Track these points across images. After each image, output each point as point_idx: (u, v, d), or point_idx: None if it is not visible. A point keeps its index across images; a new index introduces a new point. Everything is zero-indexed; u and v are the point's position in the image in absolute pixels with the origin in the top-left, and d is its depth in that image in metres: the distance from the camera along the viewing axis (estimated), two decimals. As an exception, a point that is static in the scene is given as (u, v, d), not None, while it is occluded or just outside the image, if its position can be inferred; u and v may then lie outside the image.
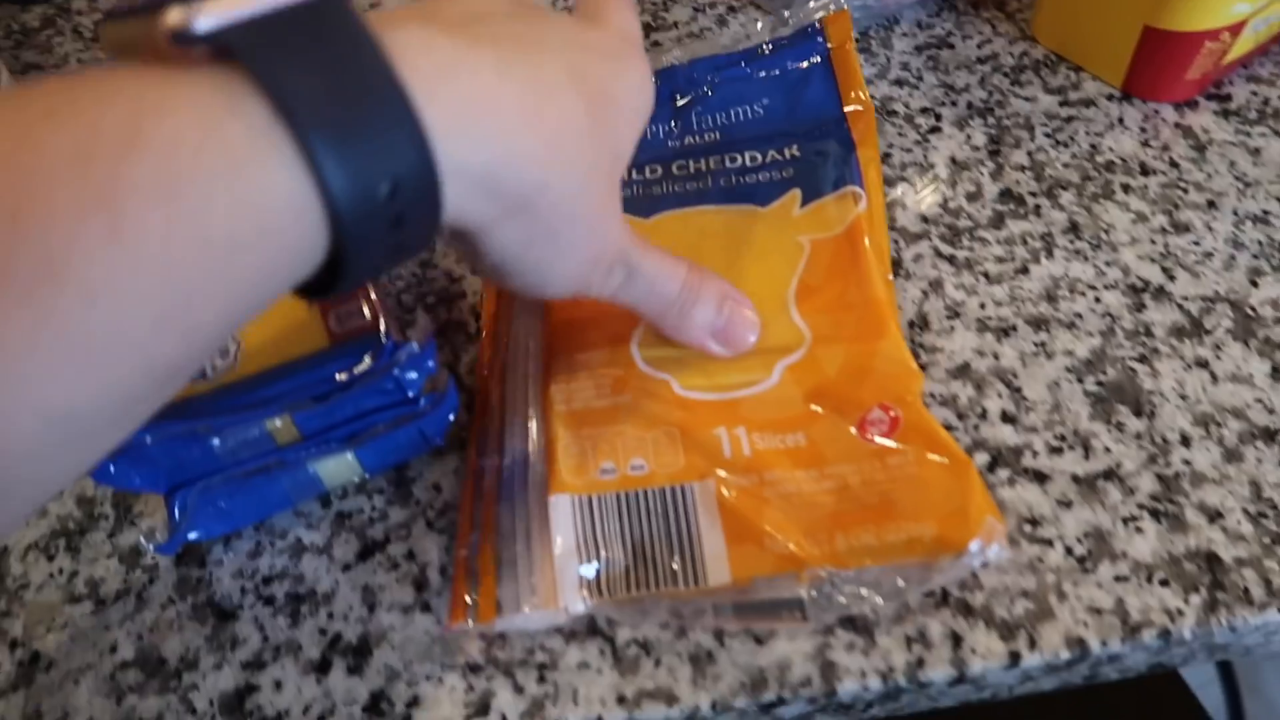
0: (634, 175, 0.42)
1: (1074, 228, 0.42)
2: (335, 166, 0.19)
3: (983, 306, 0.39)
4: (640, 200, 0.41)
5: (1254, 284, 0.40)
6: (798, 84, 0.44)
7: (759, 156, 0.41)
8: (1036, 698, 0.57)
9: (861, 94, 0.43)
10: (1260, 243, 0.41)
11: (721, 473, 0.32)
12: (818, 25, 0.46)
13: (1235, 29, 0.43)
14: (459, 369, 0.39)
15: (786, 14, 0.47)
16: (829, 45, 0.45)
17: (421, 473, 0.36)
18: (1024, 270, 0.40)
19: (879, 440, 0.32)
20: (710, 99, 0.44)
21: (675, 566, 0.31)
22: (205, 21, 0.19)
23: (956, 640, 0.31)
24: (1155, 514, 0.34)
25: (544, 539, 0.31)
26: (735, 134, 0.43)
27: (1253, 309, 0.39)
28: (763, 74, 0.45)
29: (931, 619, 0.32)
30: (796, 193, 0.39)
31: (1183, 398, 0.36)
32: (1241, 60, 0.46)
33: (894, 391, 0.33)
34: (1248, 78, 0.47)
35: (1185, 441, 0.35)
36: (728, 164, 0.41)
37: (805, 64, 0.44)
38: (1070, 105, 0.47)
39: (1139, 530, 0.33)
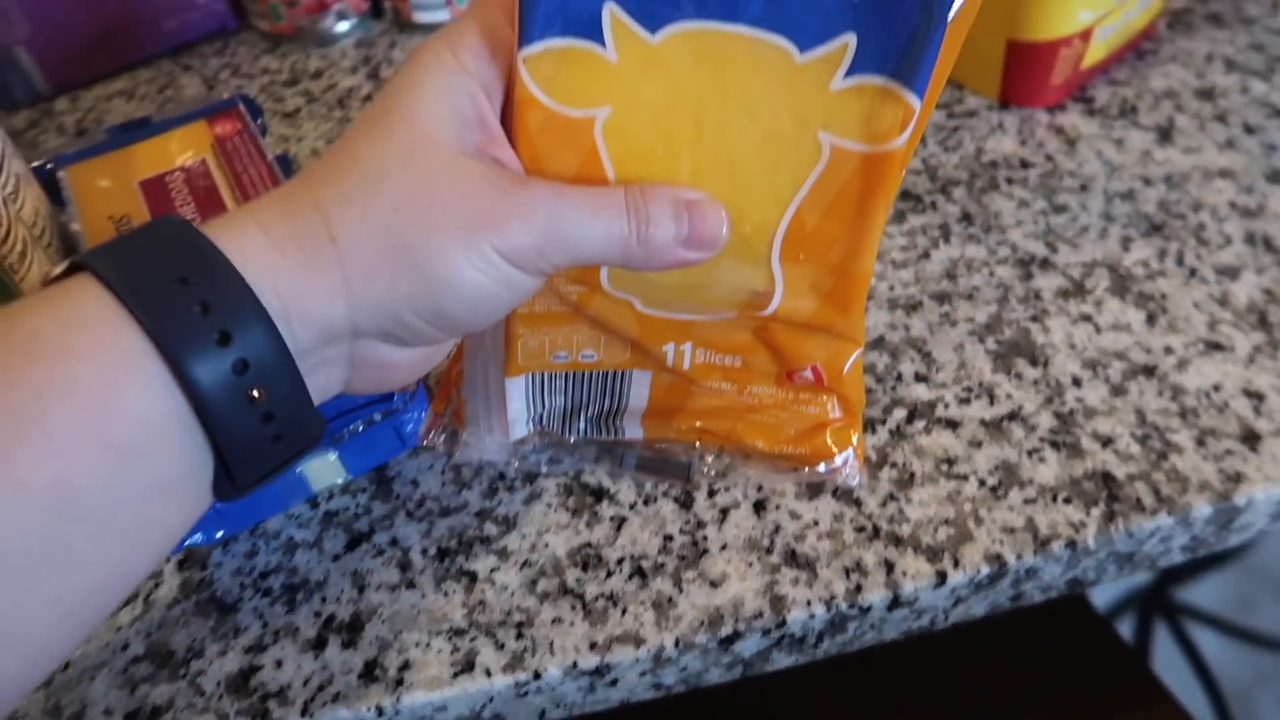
0: None
1: (966, 217, 0.47)
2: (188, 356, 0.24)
3: (892, 288, 0.44)
4: None
5: (1125, 249, 0.45)
6: None
7: None
8: (999, 667, 0.60)
9: None
10: (1129, 215, 0.46)
11: (660, 371, 0.37)
12: None
13: (1084, 35, 0.49)
14: (428, 380, 0.42)
15: None
16: None
17: (400, 472, 0.39)
18: (926, 255, 0.45)
19: (798, 385, 0.36)
20: None
21: (602, 421, 0.38)
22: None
23: (889, 567, 0.35)
24: (1055, 445, 0.38)
25: (500, 404, 0.37)
26: None
27: (1126, 269, 0.44)
28: None
29: (865, 551, 0.35)
30: (849, 43, 0.29)
31: (1071, 347, 0.41)
32: (1100, 66, 0.53)
33: (831, 356, 0.35)
34: (1108, 82, 0.54)
35: (1077, 383, 0.40)
36: None
37: None
38: (956, 117, 0.53)
39: (1042, 460, 0.37)
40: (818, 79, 0.30)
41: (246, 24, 0.65)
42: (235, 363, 0.24)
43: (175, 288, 0.24)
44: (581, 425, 0.38)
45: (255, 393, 0.25)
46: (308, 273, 0.26)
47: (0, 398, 0.22)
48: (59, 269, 0.25)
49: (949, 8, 0.28)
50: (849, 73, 0.29)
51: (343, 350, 0.28)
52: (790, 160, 0.31)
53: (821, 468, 0.37)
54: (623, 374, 0.37)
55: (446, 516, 0.38)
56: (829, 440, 0.37)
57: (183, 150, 0.41)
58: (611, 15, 0.29)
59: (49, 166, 0.41)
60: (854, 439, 0.37)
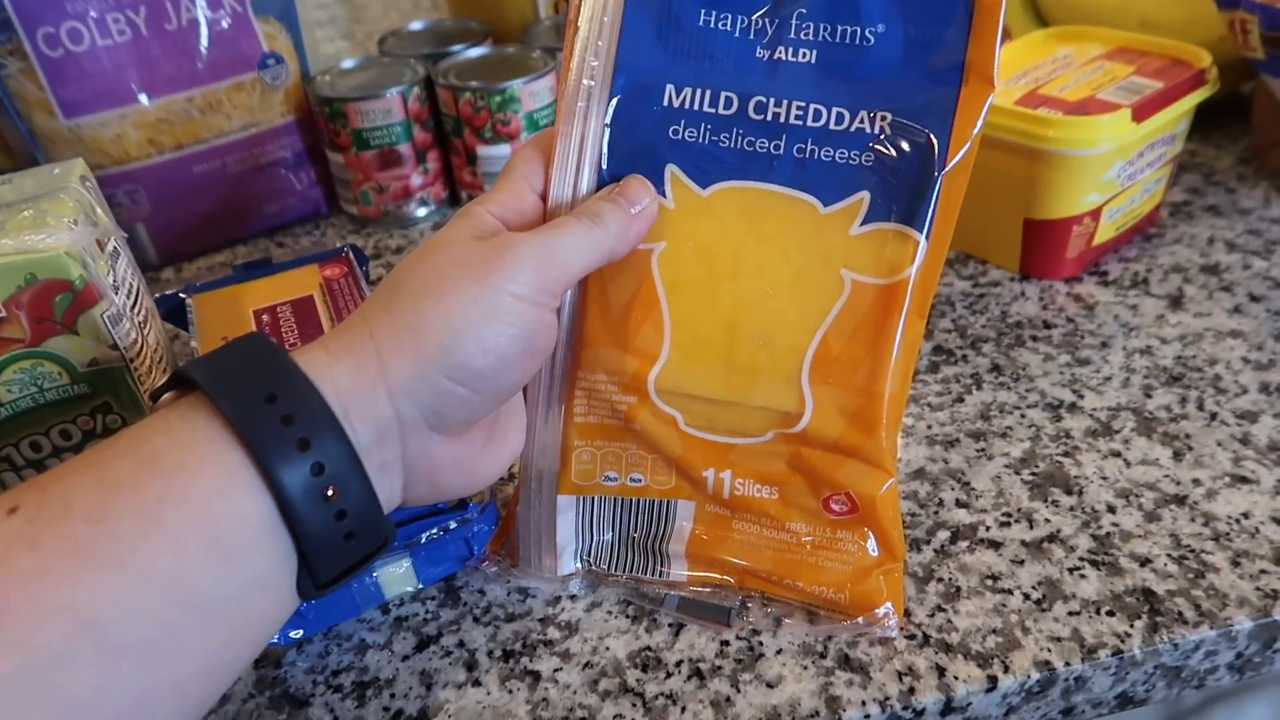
0: (706, 103, 0.36)
1: (996, 368, 0.51)
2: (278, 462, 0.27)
3: (929, 427, 0.47)
4: (703, 152, 0.37)
5: (1148, 395, 0.48)
6: (923, 19, 0.35)
7: (846, 116, 0.36)
8: None
9: (991, 69, 0.35)
10: (1148, 368, 0.50)
11: (703, 501, 0.39)
12: None
13: (1094, 214, 0.54)
14: (498, 498, 0.45)
15: None
16: None
17: (467, 582, 0.41)
18: (960, 400, 0.49)
19: (836, 515, 0.38)
20: None
21: (649, 555, 0.40)
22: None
23: (941, 671, 0.36)
24: (1095, 564, 0.40)
25: (549, 528, 0.39)
26: (831, 66, 0.36)
27: (1150, 413, 0.47)
28: None
29: (917, 657, 0.37)
30: (864, 198, 0.36)
31: (1104, 479, 0.43)
32: (1110, 244, 0.58)
33: (864, 484, 0.38)
34: (1119, 258, 0.59)
35: (1111, 510, 0.42)
36: (810, 122, 0.36)
37: None
38: (981, 286, 0.57)
39: (1083, 577, 0.39)
40: (839, 226, 0.36)
41: (336, 209, 0.73)
42: (313, 465, 0.28)
43: (265, 405, 0.28)
44: (627, 559, 0.40)
45: (329, 491, 0.28)
46: (356, 371, 0.30)
47: (130, 502, 0.26)
48: (163, 380, 0.30)
49: (943, 166, 0.35)
50: (864, 221, 0.36)
51: (396, 452, 0.31)
52: (817, 293, 0.37)
53: (861, 620, 0.37)
54: (667, 503, 0.39)
55: (511, 622, 0.39)
56: (871, 586, 0.38)
57: (295, 287, 0.47)
58: (672, 174, 0.37)
59: (180, 294, 0.47)
60: (899, 584, 0.38)
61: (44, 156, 0.63)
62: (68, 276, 0.36)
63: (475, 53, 0.70)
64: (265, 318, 0.45)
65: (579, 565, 0.40)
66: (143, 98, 0.62)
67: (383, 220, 0.69)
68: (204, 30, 0.63)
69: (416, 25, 0.79)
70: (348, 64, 0.70)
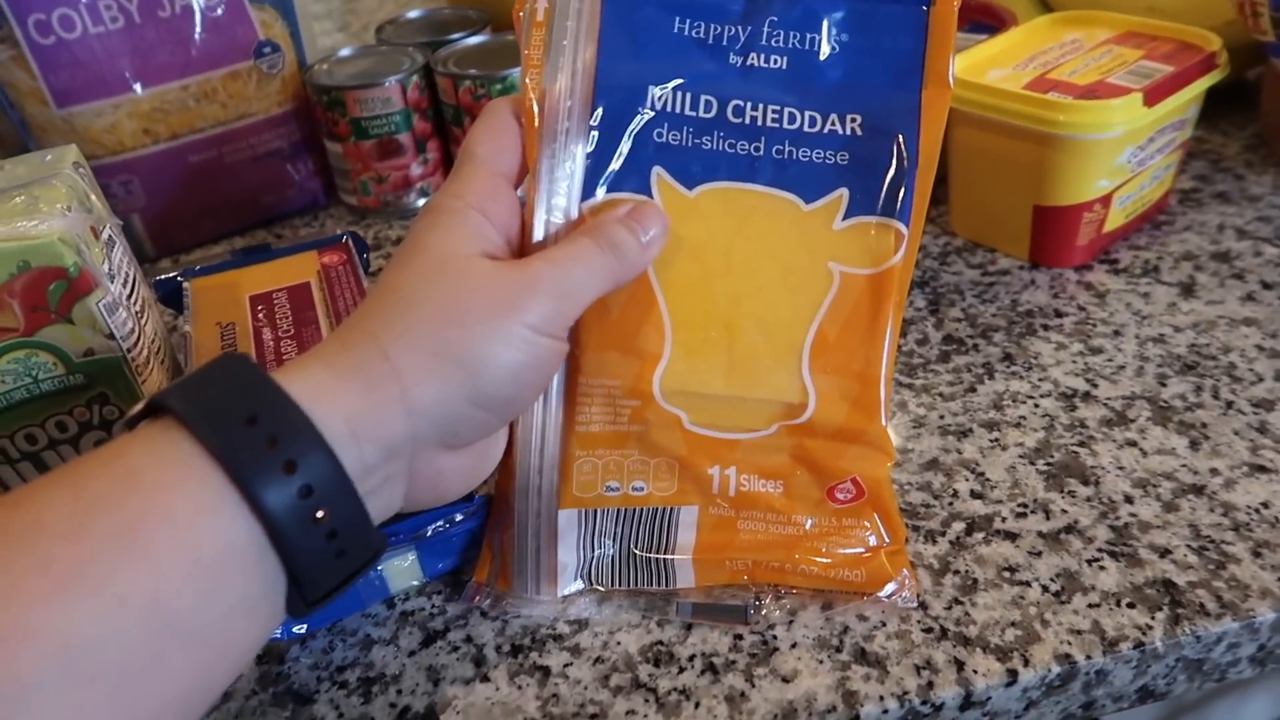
0: (687, 106, 0.37)
1: (1008, 357, 0.50)
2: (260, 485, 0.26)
3: (941, 417, 0.46)
4: (687, 154, 0.37)
5: (1162, 384, 0.47)
6: (883, 30, 0.37)
7: (818, 119, 0.37)
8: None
9: (947, 75, 0.36)
10: (1162, 356, 0.49)
11: (706, 504, 0.38)
12: None
13: (1105, 201, 0.54)
14: (500, 497, 0.44)
15: None
16: None
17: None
18: (972, 389, 0.48)
19: (841, 503, 0.38)
20: (791, 10, 0.37)
21: (654, 568, 0.39)
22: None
23: (959, 665, 0.35)
24: (1114, 555, 0.39)
25: (550, 545, 0.38)
26: (801, 72, 0.37)
27: (1165, 401, 0.46)
28: None
29: (935, 650, 0.36)
30: (843, 195, 0.37)
31: (1120, 469, 0.43)
32: (1120, 232, 0.57)
33: (868, 468, 0.38)
34: (1129, 246, 0.58)
35: (1129, 500, 0.41)
36: (786, 124, 0.37)
37: (899, 8, 0.37)
38: (990, 275, 0.57)
39: (1102, 568, 0.38)
40: (823, 222, 0.37)
41: (335, 199, 0.72)
42: (300, 488, 0.27)
43: (246, 428, 0.27)
44: (631, 575, 0.39)
45: (319, 513, 0.27)
46: (369, 393, 0.29)
47: (106, 522, 0.24)
48: (138, 407, 0.28)
49: (915, 162, 0.37)
50: (846, 216, 0.37)
51: (403, 466, 0.31)
52: (808, 287, 0.37)
53: (882, 593, 0.37)
54: (670, 510, 0.38)
55: (519, 617, 0.38)
56: (885, 562, 0.38)
57: (292, 273, 0.46)
58: (658, 176, 0.37)
59: (178, 278, 0.46)
60: (906, 561, 0.38)
61: (36, 147, 0.62)
62: (62, 264, 0.35)
63: (473, 41, 0.69)
64: (261, 305, 0.44)
65: (580, 584, 0.39)
66: (136, 86, 0.61)
67: (382, 211, 0.68)
68: (198, 17, 0.62)
69: (414, 14, 0.78)
70: (345, 52, 0.69)
